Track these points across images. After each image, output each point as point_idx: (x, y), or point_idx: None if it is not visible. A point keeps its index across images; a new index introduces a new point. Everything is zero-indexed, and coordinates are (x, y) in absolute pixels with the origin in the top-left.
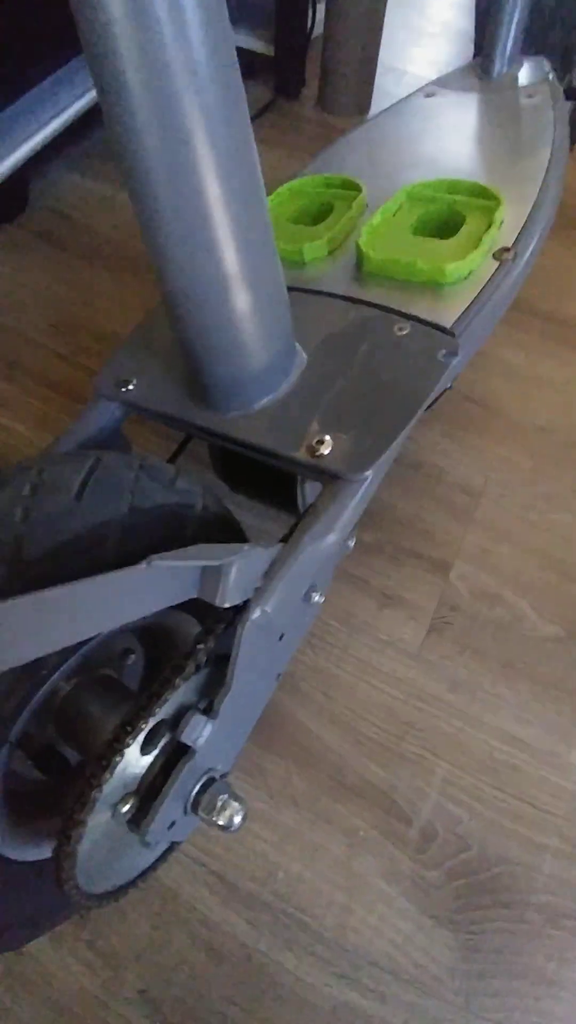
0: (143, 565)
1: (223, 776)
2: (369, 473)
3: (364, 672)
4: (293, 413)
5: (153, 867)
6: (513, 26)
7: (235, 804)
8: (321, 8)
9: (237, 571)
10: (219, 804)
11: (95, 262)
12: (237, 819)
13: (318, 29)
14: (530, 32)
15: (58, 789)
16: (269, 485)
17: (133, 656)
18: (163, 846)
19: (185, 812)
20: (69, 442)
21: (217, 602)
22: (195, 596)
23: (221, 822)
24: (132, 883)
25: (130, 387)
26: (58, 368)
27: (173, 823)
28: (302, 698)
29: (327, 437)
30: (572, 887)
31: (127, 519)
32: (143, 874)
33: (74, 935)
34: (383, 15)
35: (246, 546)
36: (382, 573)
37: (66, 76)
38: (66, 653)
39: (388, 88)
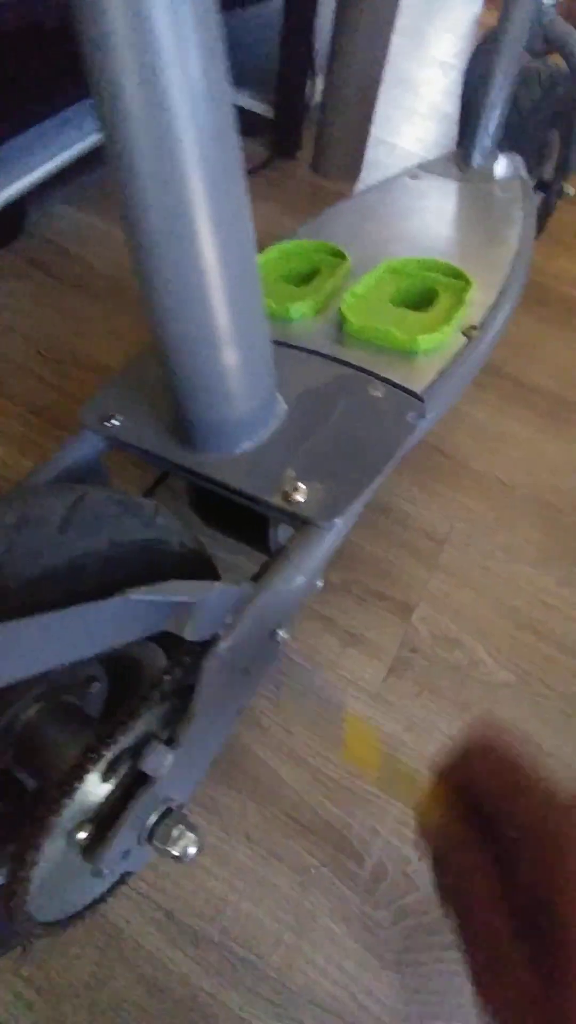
0: (120, 598)
1: (180, 807)
2: (339, 521)
3: (325, 709)
4: (271, 459)
5: (102, 898)
6: (491, 124)
7: (190, 835)
8: (320, 79)
9: (207, 607)
10: (174, 834)
11: (86, 293)
12: (192, 850)
13: (317, 98)
14: (507, 128)
15: (11, 815)
16: (242, 524)
17: (97, 684)
18: (114, 877)
19: (140, 842)
20: (51, 470)
21: (187, 636)
22: (165, 629)
23: (175, 852)
24: (80, 914)
25: (115, 422)
26: (43, 394)
27: (128, 852)
28: (262, 733)
29: (301, 485)
30: None
31: (107, 553)
32: (92, 905)
33: (13, 970)
34: (377, 92)
35: (218, 584)
36: (347, 613)
37: (75, 116)
38: (33, 680)
39: (379, 158)
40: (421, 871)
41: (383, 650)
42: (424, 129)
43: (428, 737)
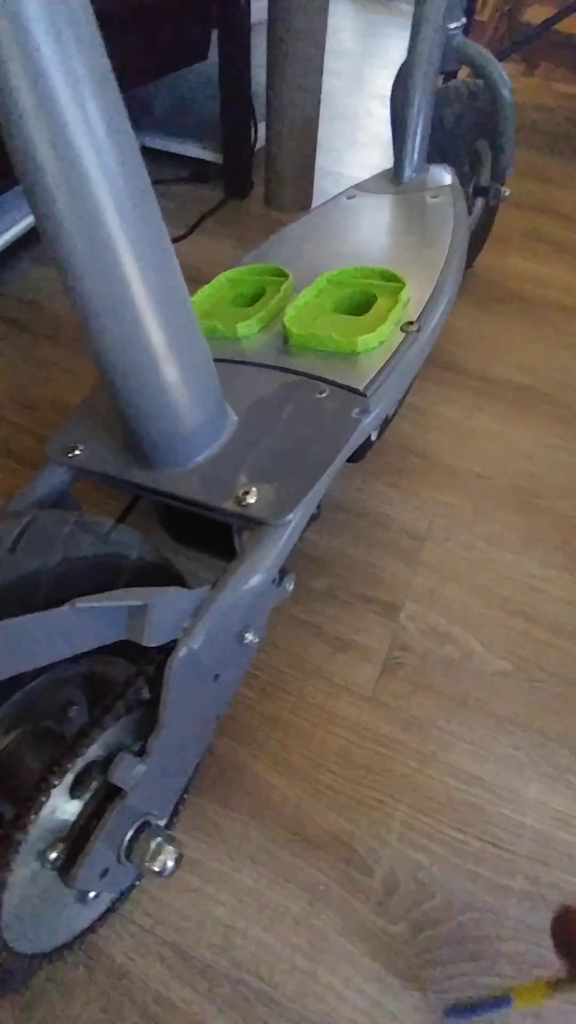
0: (66, 607)
1: (168, 827)
2: (290, 517)
3: (319, 718)
4: (223, 468)
5: (91, 928)
6: (417, 139)
7: (169, 848)
8: (263, 125)
9: (161, 611)
10: (152, 848)
11: (57, 342)
12: (170, 863)
13: (261, 141)
14: (436, 141)
15: None
16: (210, 537)
17: (76, 708)
18: (102, 904)
19: (119, 859)
20: (19, 503)
21: (144, 641)
22: (124, 637)
23: (155, 867)
24: (68, 945)
25: (77, 452)
26: (21, 440)
27: (106, 871)
28: (257, 748)
29: (253, 488)
30: (540, 932)
31: (60, 570)
32: (81, 935)
33: (18, 1020)
34: (316, 129)
35: (172, 588)
36: (334, 618)
37: None
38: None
39: (327, 188)
40: (434, 876)
41: (373, 652)
42: (367, 156)
43: (427, 735)
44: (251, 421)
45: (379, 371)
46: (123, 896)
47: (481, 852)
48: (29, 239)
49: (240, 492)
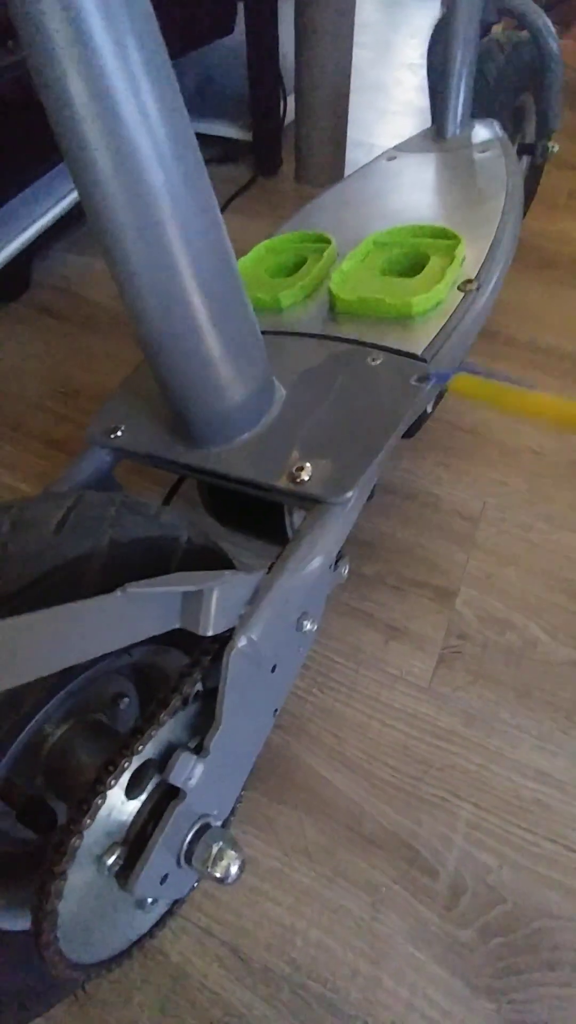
0: (118, 593)
1: (224, 824)
2: (350, 495)
3: (375, 710)
4: (273, 444)
5: (150, 934)
6: (461, 93)
7: (231, 852)
8: (291, 99)
9: (218, 597)
10: (214, 853)
11: (92, 329)
12: (234, 869)
13: (291, 115)
14: (479, 98)
15: (43, 849)
16: (258, 519)
17: (126, 700)
18: (160, 909)
19: (179, 864)
20: (61, 487)
21: (200, 630)
22: (178, 626)
23: (217, 874)
24: (127, 952)
25: (119, 433)
26: (59, 428)
27: (166, 877)
28: (311, 741)
29: (307, 464)
30: None
31: (108, 552)
32: (138, 941)
33: (74, 1021)
34: (347, 100)
35: (228, 572)
36: (386, 605)
37: (62, 171)
38: (47, 690)
39: (359, 160)
40: (505, 880)
41: (429, 640)
42: (399, 125)
43: (490, 729)
44: (300, 394)
45: (438, 334)
46: (182, 900)
47: (554, 854)
48: (60, 228)
49: (293, 469)
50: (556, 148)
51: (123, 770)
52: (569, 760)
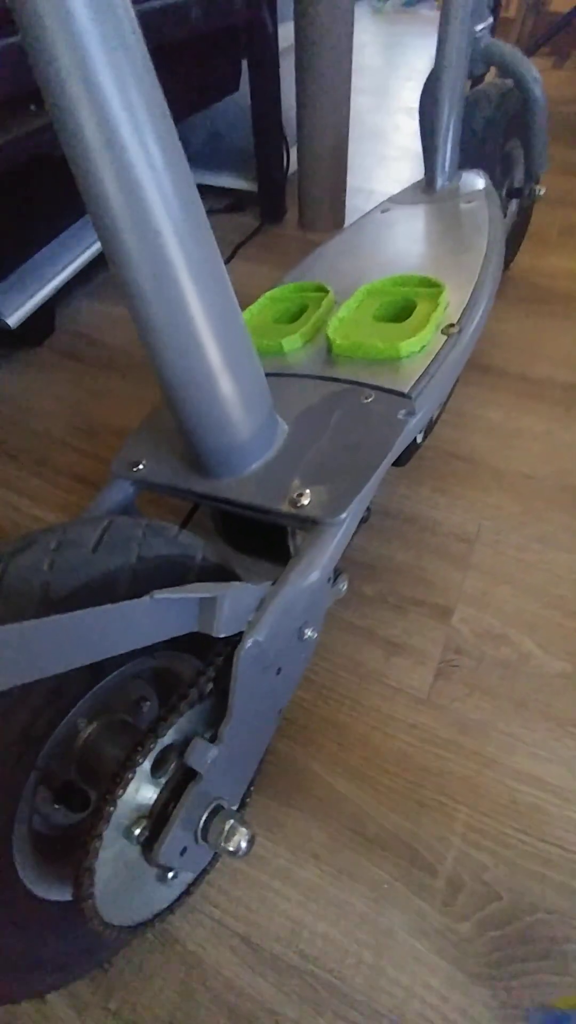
0: (147, 598)
1: (240, 810)
2: (344, 516)
3: (376, 720)
4: (277, 474)
5: (170, 909)
6: (448, 147)
7: (242, 829)
8: (294, 150)
9: (229, 604)
10: (226, 829)
11: (113, 372)
12: (244, 844)
13: (294, 166)
14: (468, 148)
15: (82, 829)
16: (265, 542)
17: (148, 703)
18: (178, 887)
19: (196, 840)
20: (91, 514)
21: (214, 632)
22: (195, 628)
23: (230, 847)
24: (151, 921)
25: (140, 467)
26: (82, 463)
27: (185, 850)
28: (317, 749)
29: (307, 490)
30: None
31: (136, 567)
32: (160, 914)
33: (100, 1004)
34: (346, 149)
35: (238, 583)
36: (386, 623)
37: (85, 224)
38: (82, 686)
39: (359, 205)
40: (500, 878)
41: (427, 655)
42: (397, 170)
43: (487, 738)
44: (301, 429)
45: (422, 373)
46: (198, 881)
47: (548, 854)
48: (82, 277)
49: (294, 495)
50: (543, 191)
51: (150, 750)
52: (562, 766)
